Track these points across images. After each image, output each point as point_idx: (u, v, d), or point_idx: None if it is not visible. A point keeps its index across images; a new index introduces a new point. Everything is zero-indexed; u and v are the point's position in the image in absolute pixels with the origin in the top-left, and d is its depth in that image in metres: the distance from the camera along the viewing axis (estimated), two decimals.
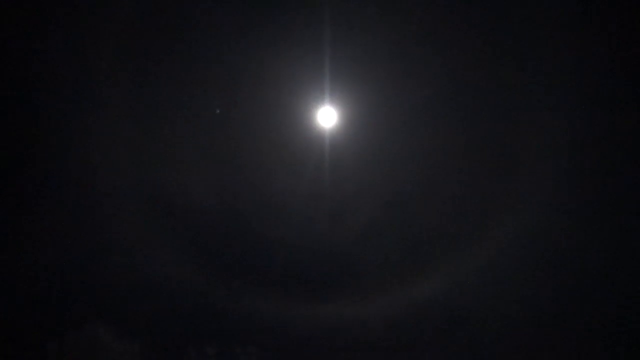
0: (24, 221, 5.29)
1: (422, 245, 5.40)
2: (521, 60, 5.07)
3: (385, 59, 5.03)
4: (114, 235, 5.35)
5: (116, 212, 5.30)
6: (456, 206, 5.40)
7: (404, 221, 5.39)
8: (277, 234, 5.38)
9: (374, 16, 4.93)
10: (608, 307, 5.35)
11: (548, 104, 5.10)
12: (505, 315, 5.40)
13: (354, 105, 5.16)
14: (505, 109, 5.19)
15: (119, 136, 5.21)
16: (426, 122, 5.18)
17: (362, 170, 5.28)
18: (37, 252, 5.26)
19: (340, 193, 5.33)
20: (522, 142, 5.28)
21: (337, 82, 5.05)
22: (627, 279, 5.35)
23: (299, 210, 5.36)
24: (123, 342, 5.30)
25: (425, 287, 5.39)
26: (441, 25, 4.92)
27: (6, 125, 5.14)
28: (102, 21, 5.01)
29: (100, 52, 5.07)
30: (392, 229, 5.40)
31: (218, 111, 5.27)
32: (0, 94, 5.08)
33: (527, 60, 5.04)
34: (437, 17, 4.92)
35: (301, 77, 5.09)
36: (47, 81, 5.04)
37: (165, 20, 5.06)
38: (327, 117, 5.18)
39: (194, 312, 5.40)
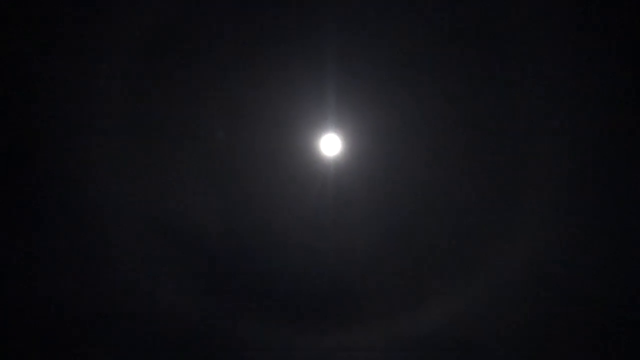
0: (23, 243, 5.23)
1: (425, 275, 5.36)
2: (527, 90, 5.02)
3: (390, 87, 4.98)
4: (113, 260, 5.28)
5: (116, 237, 5.23)
6: (460, 235, 5.35)
7: (407, 251, 5.34)
8: (278, 262, 5.33)
9: (379, 44, 4.88)
10: (612, 337, 5.34)
11: (551, 135, 5.06)
12: (508, 345, 5.39)
13: (358, 133, 5.11)
14: (509, 139, 5.14)
15: (120, 160, 5.14)
16: (431, 151, 5.14)
17: (365, 199, 5.23)
18: (34, 275, 5.22)
19: (344, 222, 5.28)
20: (526, 172, 5.24)
21: (341, 109, 5.01)
22: (633, 308, 5.33)
23: (301, 238, 5.30)
24: None
25: (428, 316, 5.35)
26: (448, 55, 4.87)
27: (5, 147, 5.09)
28: (105, 44, 4.95)
29: (101, 75, 5.00)
30: (395, 258, 5.35)
31: (221, 135, 5.21)
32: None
33: (532, 92, 4.99)
34: (444, 45, 4.87)
35: (304, 104, 5.03)
36: (47, 105, 4.98)
37: (167, 44, 5.00)
38: (330, 145, 5.13)
39: (193, 340, 5.35)
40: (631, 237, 5.24)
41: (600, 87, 4.96)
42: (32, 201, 5.15)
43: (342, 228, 5.27)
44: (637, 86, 4.93)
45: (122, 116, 5.09)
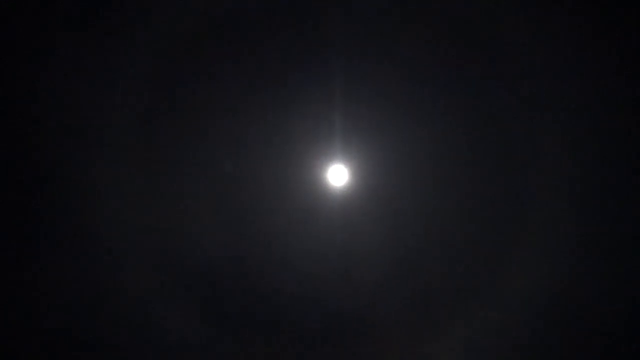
0: (30, 275, 5.23)
1: (433, 307, 5.33)
2: (535, 120, 5.05)
3: (397, 118, 5.02)
4: (122, 289, 5.28)
5: (124, 267, 5.24)
6: (469, 267, 5.33)
7: (415, 282, 5.32)
8: (287, 292, 5.31)
9: (386, 76, 4.94)
10: None
11: (561, 165, 5.07)
12: None
13: (366, 164, 5.14)
14: (517, 169, 5.16)
15: (129, 191, 5.17)
16: (439, 181, 5.15)
17: (373, 229, 5.23)
18: (43, 305, 5.22)
19: (351, 252, 5.27)
20: (533, 202, 5.24)
21: (348, 141, 5.05)
22: None
23: (309, 269, 5.29)
24: None
25: (435, 348, 5.31)
26: (456, 87, 4.91)
27: (15, 178, 5.13)
28: (116, 76, 5.02)
29: (112, 106, 5.06)
30: (403, 290, 5.33)
31: (229, 166, 5.24)
32: (9, 146, 5.09)
33: (540, 121, 5.02)
34: (452, 77, 4.92)
35: (312, 136, 5.08)
36: (55, 136, 5.03)
37: (177, 78, 5.07)
38: (338, 175, 5.15)
39: None
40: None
41: (611, 119, 4.98)
42: (41, 232, 5.17)
43: (350, 258, 5.26)
44: None
45: (132, 148, 5.14)
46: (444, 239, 5.31)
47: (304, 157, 5.17)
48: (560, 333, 5.30)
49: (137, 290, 5.23)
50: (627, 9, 4.75)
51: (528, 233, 5.29)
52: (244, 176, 5.24)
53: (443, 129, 5.00)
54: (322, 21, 4.87)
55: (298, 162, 5.18)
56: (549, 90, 4.97)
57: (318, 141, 5.10)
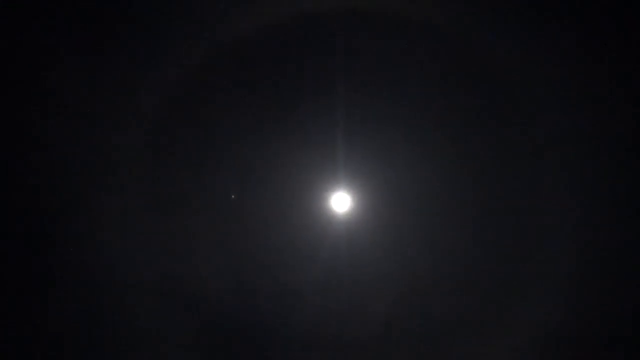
0: (36, 310, 5.26)
1: (440, 336, 5.24)
2: (538, 148, 5.10)
3: (398, 145, 5.11)
4: (125, 323, 5.27)
5: (127, 301, 5.25)
6: (474, 296, 5.27)
7: (422, 309, 5.25)
8: (291, 323, 5.27)
9: (388, 104, 5.06)
10: None
11: (565, 207, 5.09)
12: None
13: (368, 190, 5.20)
14: (522, 194, 5.17)
15: (132, 223, 5.25)
16: (443, 208, 5.17)
17: (376, 255, 5.22)
18: (47, 334, 5.22)
19: (355, 280, 5.25)
20: (541, 231, 5.22)
21: (350, 168, 5.13)
22: None
23: (312, 296, 5.27)
24: None
25: None
26: (457, 113, 5.01)
27: (21, 204, 5.24)
28: (122, 112, 5.18)
29: (116, 141, 5.19)
30: (410, 317, 5.26)
31: (234, 194, 5.33)
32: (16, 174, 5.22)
33: (543, 147, 5.07)
34: (452, 103, 5.03)
35: (315, 164, 5.17)
36: (59, 168, 5.16)
37: (183, 111, 5.23)
38: (341, 202, 5.21)
39: None
40: None
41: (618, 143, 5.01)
42: (48, 261, 5.24)
43: (353, 285, 5.23)
44: None
45: (140, 180, 5.27)
46: (451, 269, 5.28)
47: (307, 184, 5.25)
48: None
49: (141, 318, 5.24)
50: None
51: (535, 265, 5.24)
52: (249, 204, 5.31)
53: (446, 155, 5.07)
54: (326, 55, 5.05)
55: (301, 190, 5.26)
56: (554, 130, 5.05)
57: (321, 169, 5.20)
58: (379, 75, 5.10)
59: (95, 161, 5.15)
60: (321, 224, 5.26)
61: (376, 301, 5.25)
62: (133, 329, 5.18)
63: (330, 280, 5.22)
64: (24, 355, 5.18)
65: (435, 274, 5.22)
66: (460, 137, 5.03)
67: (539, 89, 5.01)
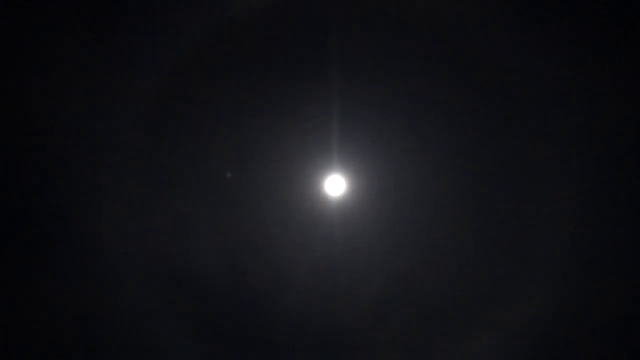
0: (29, 284, 5.24)
1: (431, 323, 5.19)
2: (532, 138, 5.06)
3: (394, 129, 5.07)
4: (118, 302, 5.25)
5: (121, 278, 5.22)
6: (467, 283, 5.22)
7: (412, 297, 5.21)
8: (282, 306, 5.23)
9: (383, 87, 5.03)
10: None
11: (558, 191, 5.05)
12: None
13: (363, 174, 5.16)
14: (516, 183, 5.13)
15: (126, 201, 5.23)
16: (438, 197, 5.13)
17: (370, 239, 5.18)
18: (38, 310, 5.19)
19: (348, 263, 5.21)
20: (534, 220, 5.18)
21: (345, 151, 5.09)
22: None
23: (305, 280, 5.23)
24: None
25: None
26: (451, 97, 4.98)
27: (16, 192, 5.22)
28: (120, 88, 5.16)
29: (113, 115, 5.17)
30: (402, 304, 5.21)
31: (228, 177, 5.30)
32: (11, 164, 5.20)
33: (537, 138, 5.03)
34: (447, 87, 4.99)
35: (310, 146, 5.14)
36: (61, 143, 5.14)
37: (178, 91, 5.21)
38: (335, 185, 5.17)
39: None
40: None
41: (614, 144, 4.98)
42: (40, 240, 5.21)
43: (346, 269, 5.19)
44: None
45: (134, 157, 5.24)
46: (444, 254, 5.23)
47: (301, 167, 5.22)
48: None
49: (132, 299, 5.21)
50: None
51: (528, 253, 5.20)
52: (243, 186, 5.28)
53: (441, 139, 5.03)
54: (321, 36, 5.02)
55: (296, 173, 5.22)
56: (547, 128, 5.02)
57: (316, 152, 5.16)
58: (377, 60, 5.06)
59: (89, 142, 5.13)
60: (315, 207, 5.22)
61: (367, 286, 5.20)
62: (123, 309, 5.15)
63: (322, 264, 5.18)
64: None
65: (427, 263, 5.18)
66: (456, 126, 4.99)
67: (536, 80, 4.98)
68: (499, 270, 5.26)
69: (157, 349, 5.25)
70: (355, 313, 5.28)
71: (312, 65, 5.05)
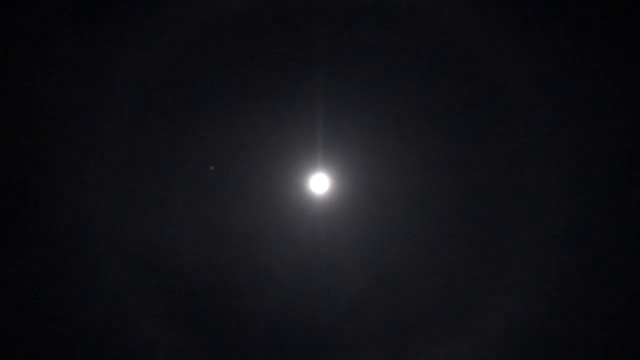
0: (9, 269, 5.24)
1: (412, 322, 5.20)
2: (518, 138, 5.09)
3: (377, 128, 5.10)
4: (96, 288, 5.24)
5: (100, 265, 5.22)
6: (449, 285, 5.24)
7: (394, 296, 5.22)
8: (262, 302, 5.24)
9: (366, 86, 5.06)
10: None
11: (542, 197, 5.08)
12: None
13: (347, 173, 5.19)
14: (504, 187, 5.15)
15: (111, 189, 5.24)
16: (421, 196, 5.15)
17: (352, 237, 5.20)
18: (18, 298, 5.19)
19: (331, 261, 5.22)
20: (519, 223, 5.20)
21: (329, 150, 5.12)
22: None
23: (286, 279, 5.24)
24: None
25: None
26: (435, 95, 5.01)
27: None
28: (107, 80, 5.17)
29: (103, 108, 5.19)
30: (382, 303, 5.22)
31: (213, 173, 5.32)
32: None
33: (522, 136, 5.06)
34: (430, 86, 5.01)
35: (295, 145, 5.16)
36: (45, 131, 5.15)
37: (164, 86, 5.23)
38: (319, 184, 5.20)
39: None
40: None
41: (600, 153, 5.00)
42: (20, 224, 5.22)
43: (328, 267, 5.20)
44: None
45: (120, 148, 5.25)
46: (426, 254, 5.24)
47: (286, 165, 5.24)
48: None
49: (113, 290, 5.22)
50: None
51: (511, 254, 5.22)
52: (227, 183, 5.31)
53: (424, 137, 5.06)
54: (306, 36, 5.06)
55: (280, 171, 5.25)
56: (537, 125, 5.05)
57: (301, 150, 5.19)
58: (361, 60, 5.09)
59: (74, 128, 5.14)
60: (299, 205, 5.24)
61: (347, 285, 5.22)
62: (104, 294, 5.16)
63: (303, 261, 5.19)
64: None
65: (409, 262, 5.19)
66: (441, 125, 5.02)
67: (524, 81, 5.01)
68: (481, 271, 5.27)
69: (134, 338, 5.23)
70: (335, 311, 5.28)
71: (298, 64, 5.08)
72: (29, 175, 5.14)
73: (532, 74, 4.83)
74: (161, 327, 5.25)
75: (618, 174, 4.98)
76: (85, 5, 4.91)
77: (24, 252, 5.18)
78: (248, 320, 5.26)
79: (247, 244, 5.30)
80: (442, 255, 5.22)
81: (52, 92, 5.01)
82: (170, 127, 5.24)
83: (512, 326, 5.13)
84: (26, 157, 5.14)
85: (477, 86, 4.95)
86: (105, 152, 5.19)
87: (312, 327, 5.24)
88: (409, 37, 4.88)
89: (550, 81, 4.94)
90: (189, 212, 5.32)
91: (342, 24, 4.98)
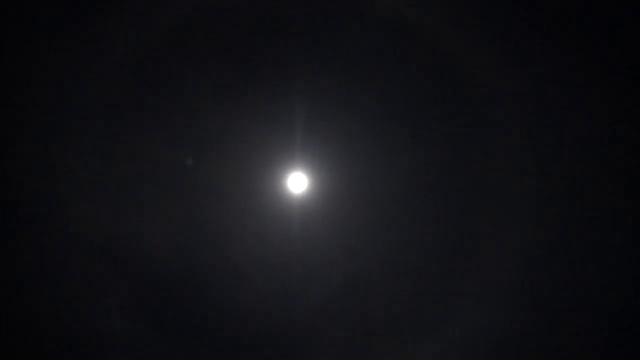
0: None
1: (387, 322, 5.18)
2: (499, 141, 5.11)
3: (356, 127, 5.08)
4: (64, 282, 5.12)
5: (67, 258, 5.09)
6: (424, 285, 5.23)
7: (369, 297, 5.20)
8: (235, 301, 5.17)
9: (346, 86, 5.04)
10: None
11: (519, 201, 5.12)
12: None
13: (325, 172, 5.15)
14: (479, 187, 5.18)
15: (83, 183, 5.13)
16: (399, 193, 5.14)
17: (330, 238, 5.16)
18: None
19: (306, 262, 5.18)
20: (495, 226, 5.24)
21: (308, 149, 5.08)
22: None
23: (260, 278, 5.18)
24: None
25: None
26: (414, 97, 5.02)
27: None
28: (83, 75, 5.07)
29: (71, 103, 5.09)
30: (357, 303, 5.20)
31: (189, 170, 5.23)
32: None
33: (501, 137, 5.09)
34: (410, 87, 5.02)
35: (273, 143, 5.11)
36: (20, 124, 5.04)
37: (141, 79, 5.14)
38: (297, 183, 5.15)
39: None
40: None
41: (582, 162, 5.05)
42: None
43: (303, 267, 5.16)
44: None
45: (96, 141, 5.15)
46: (403, 255, 5.23)
47: (263, 164, 5.18)
48: None
49: (83, 285, 5.10)
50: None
51: (485, 259, 5.25)
52: (204, 181, 5.23)
53: (403, 138, 5.06)
54: (285, 34, 5.03)
55: (258, 169, 5.18)
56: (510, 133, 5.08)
57: (279, 149, 5.14)
58: (340, 59, 5.07)
59: (51, 120, 5.04)
60: (276, 203, 5.19)
61: (322, 285, 5.18)
62: (70, 287, 5.03)
63: (278, 260, 5.14)
64: None
65: (384, 262, 5.18)
66: (419, 127, 5.03)
67: (502, 88, 5.04)
68: (456, 272, 5.30)
69: (100, 333, 5.13)
70: (308, 311, 5.23)
71: (276, 63, 5.04)
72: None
73: (515, 77, 4.87)
74: (131, 324, 5.15)
75: (598, 173, 5.04)
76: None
77: None
78: (221, 319, 5.20)
79: (222, 241, 5.23)
80: (418, 257, 5.21)
81: (26, 88, 4.91)
82: (145, 123, 5.16)
83: (487, 327, 5.14)
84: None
85: (457, 89, 4.97)
86: (79, 146, 5.08)
87: (285, 327, 5.20)
88: (391, 38, 4.89)
89: (533, 85, 4.99)
90: (163, 209, 5.23)
91: (322, 22, 4.96)
